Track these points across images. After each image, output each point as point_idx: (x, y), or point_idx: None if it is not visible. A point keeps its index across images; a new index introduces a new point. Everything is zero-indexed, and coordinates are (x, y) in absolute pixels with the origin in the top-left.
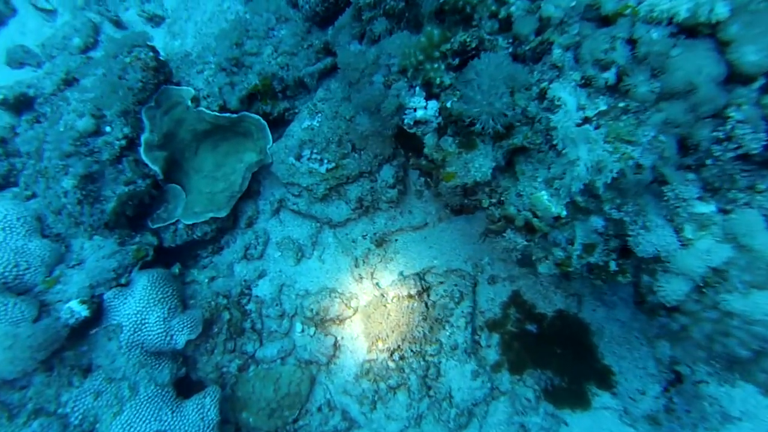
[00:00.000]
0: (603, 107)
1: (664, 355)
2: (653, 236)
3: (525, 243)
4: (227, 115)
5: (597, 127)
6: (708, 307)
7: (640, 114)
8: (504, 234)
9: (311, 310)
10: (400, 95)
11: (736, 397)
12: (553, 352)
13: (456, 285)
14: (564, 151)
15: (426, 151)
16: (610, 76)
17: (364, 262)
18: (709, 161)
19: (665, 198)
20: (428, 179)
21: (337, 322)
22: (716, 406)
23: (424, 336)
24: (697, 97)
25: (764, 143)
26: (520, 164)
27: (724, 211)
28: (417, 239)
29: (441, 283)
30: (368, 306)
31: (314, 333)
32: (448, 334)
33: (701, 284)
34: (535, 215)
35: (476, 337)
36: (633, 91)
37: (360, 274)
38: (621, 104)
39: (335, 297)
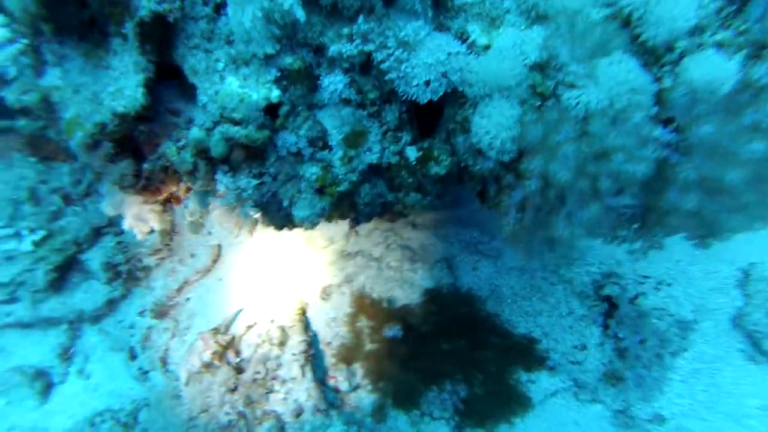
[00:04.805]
0: None
1: (582, 283)
2: (423, 54)
3: (255, 183)
4: None
5: None
6: (561, 122)
7: None
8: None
9: None
10: None
11: (679, 294)
12: (441, 349)
13: (273, 321)
14: None
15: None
16: None
17: (144, 348)
18: None
19: None
20: None
21: None
22: (667, 318)
23: (241, 417)
24: None
25: None
26: (185, 58)
27: None
28: (212, 285)
29: (250, 327)
30: (156, 410)
31: None
32: (282, 395)
33: (533, 92)
34: (234, 122)
35: (333, 382)
36: None
37: (141, 369)
38: None
39: (101, 423)
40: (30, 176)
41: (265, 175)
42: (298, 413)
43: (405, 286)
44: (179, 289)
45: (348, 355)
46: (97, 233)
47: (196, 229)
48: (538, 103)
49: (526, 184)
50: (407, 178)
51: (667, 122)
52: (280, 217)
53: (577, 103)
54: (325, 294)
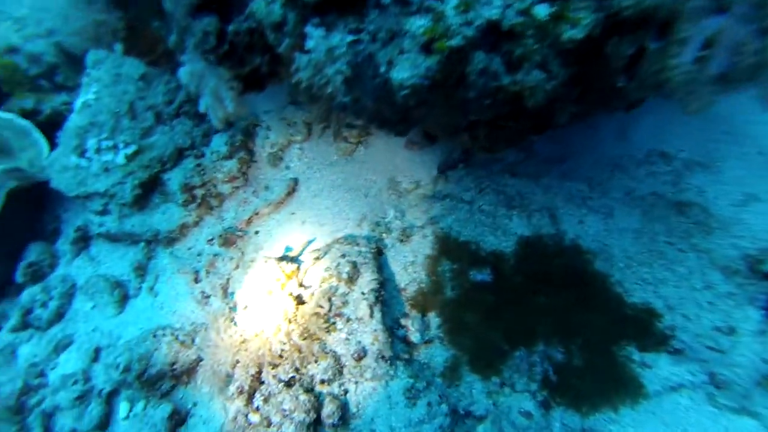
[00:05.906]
0: None
1: (726, 256)
2: None
3: (350, 39)
4: None
5: None
6: None
7: None
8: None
9: (117, 366)
10: None
11: None
12: (536, 303)
13: (344, 256)
14: None
15: None
16: None
17: (208, 272)
18: None
19: None
20: None
21: (179, 374)
22: None
23: (296, 349)
24: None
25: None
26: None
27: None
28: (283, 219)
29: (317, 259)
30: (215, 331)
31: (144, 407)
32: (344, 335)
33: None
34: None
35: (403, 331)
36: None
37: (204, 291)
38: None
39: (162, 336)
40: (131, 91)
41: (363, 32)
42: (360, 357)
43: (498, 232)
44: (249, 221)
45: (424, 302)
46: (180, 154)
47: (274, 161)
48: None
49: None
50: (532, 46)
51: None
52: (374, 86)
53: None
54: (405, 236)
